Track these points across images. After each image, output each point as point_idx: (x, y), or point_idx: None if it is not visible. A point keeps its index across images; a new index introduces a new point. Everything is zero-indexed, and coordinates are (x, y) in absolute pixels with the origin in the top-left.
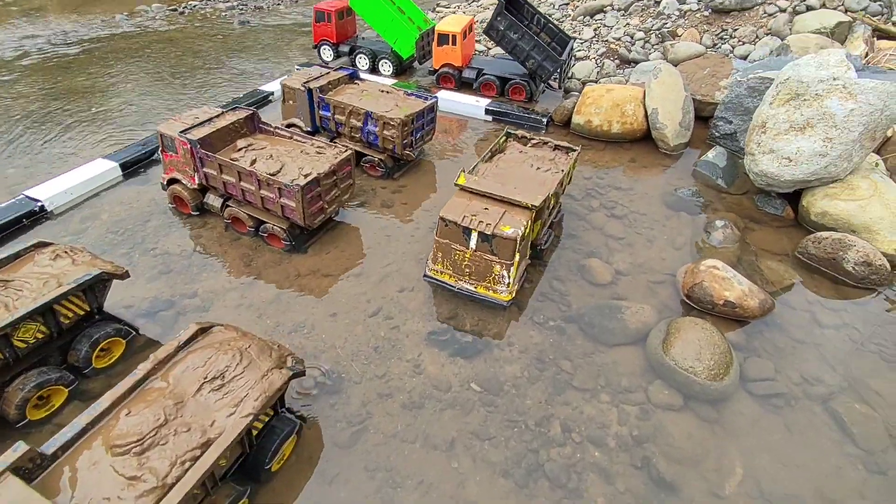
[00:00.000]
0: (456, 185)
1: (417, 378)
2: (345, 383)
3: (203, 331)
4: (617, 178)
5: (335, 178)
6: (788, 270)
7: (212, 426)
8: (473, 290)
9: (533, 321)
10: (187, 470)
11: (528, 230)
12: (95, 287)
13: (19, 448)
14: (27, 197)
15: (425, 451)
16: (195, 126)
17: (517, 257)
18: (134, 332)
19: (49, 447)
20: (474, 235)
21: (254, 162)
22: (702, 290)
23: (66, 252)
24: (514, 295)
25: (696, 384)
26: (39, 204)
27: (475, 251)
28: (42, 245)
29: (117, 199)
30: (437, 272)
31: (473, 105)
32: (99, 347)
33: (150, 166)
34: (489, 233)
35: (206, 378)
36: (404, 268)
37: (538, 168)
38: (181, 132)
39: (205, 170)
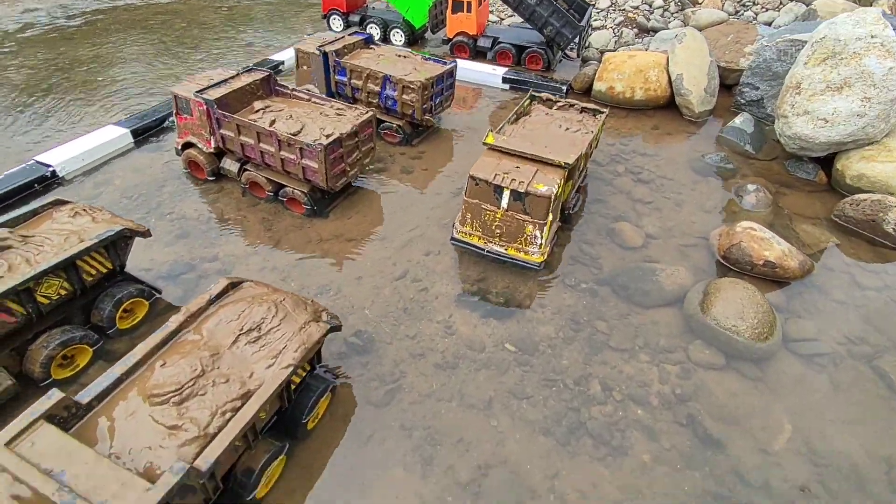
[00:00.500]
0: (484, 143)
1: (450, 339)
2: (376, 344)
3: (233, 286)
4: (641, 144)
5: (357, 140)
6: (825, 233)
7: (250, 378)
8: (504, 251)
9: (564, 283)
10: (228, 421)
11: (560, 189)
12: (118, 244)
13: (53, 395)
14: (38, 162)
15: (462, 410)
16: (211, 87)
17: (550, 217)
18: (157, 294)
19: (84, 396)
20: (506, 194)
21: (273, 123)
22: (740, 251)
23: (84, 210)
24: (545, 257)
25: (739, 344)
26: (51, 169)
27: (506, 211)
28: (60, 203)
29: (130, 165)
30: (466, 234)
31: (490, 73)
32: (122, 308)
33: (160, 134)
34: (522, 191)
35: (241, 330)
36: (428, 232)
37: (567, 129)
38: (197, 92)
39: (221, 132)
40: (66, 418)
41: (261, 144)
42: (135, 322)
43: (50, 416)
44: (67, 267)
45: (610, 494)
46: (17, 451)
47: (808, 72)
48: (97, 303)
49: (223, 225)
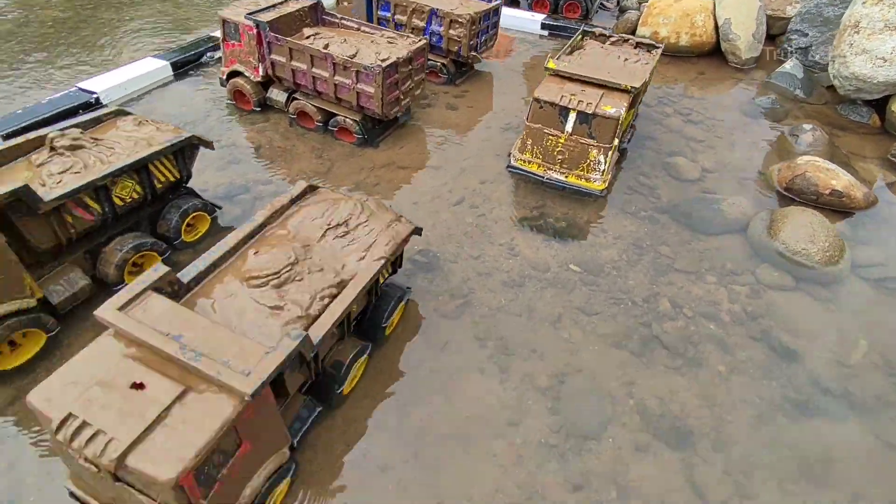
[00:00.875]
0: (546, 69)
1: (514, 260)
2: (441, 262)
3: (312, 189)
4: (688, 88)
5: (411, 67)
6: (883, 172)
7: (342, 269)
8: (564, 179)
9: (624, 211)
10: (327, 306)
11: (626, 113)
12: (185, 153)
13: (159, 269)
14: (80, 89)
15: (533, 324)
16: (260, 11)
17: (616, 141)
18: (218, 209)
19: (184, 276)
20: (572, 116)
21: (327, 46)
22: (804, 181)
23: (148, 121)
24: (606, 185)
25: (808, 267)
26: (94, 96)
27: (571, 135)
28: (122, 113)
29: (172, 96)
30: (524, 162)
31: (529, 20)
32: (187, 220)
33: (198, 69)
34: (590, 112)
35: (329, 225)
36: (482, 162)
37: (625, 59)
38: (248, 15)
39: (272, 56)
40: (170, 294)
41: (314, 69)
42: (197, 236)
43: (157, 289)
44: (140, 169)
45: (688, 401)
46: (132, 315)
47: (866, 11)
48: (163, 213)
49: (273, 152)
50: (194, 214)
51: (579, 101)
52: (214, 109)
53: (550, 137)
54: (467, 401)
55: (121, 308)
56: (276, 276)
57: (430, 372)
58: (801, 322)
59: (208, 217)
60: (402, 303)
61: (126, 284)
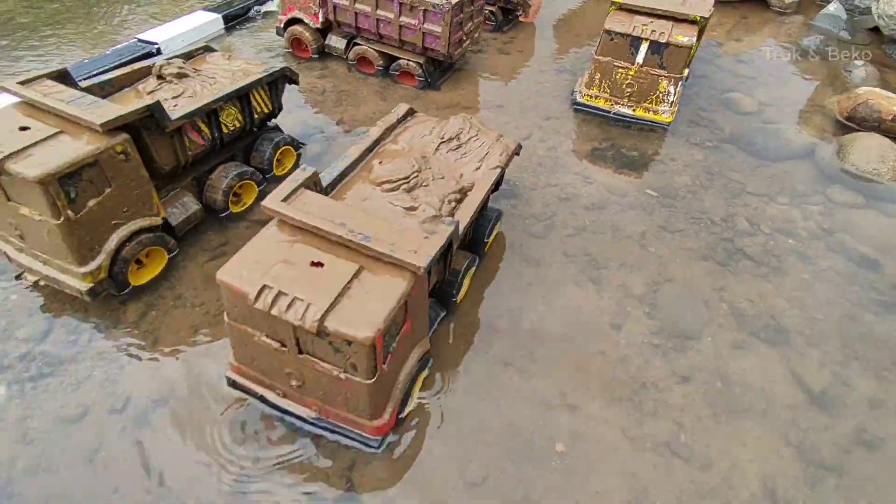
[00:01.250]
0: (612, 3)
1: (591, 186)
2: (521, 189)
3: (411, 112)
4: (732, 32)
5: (472, 8)
6: None
7: (461, 178)
8: (632, 112)
9: (689, 142)
10: (454, 209)
11: (696, 44)
12: (278, 84)
13: (308, 169)
14: (140, 40)
15: (618, 240)
16: None
17: (686, 71)
18: (303, 146)
19: (324, 178)
20: (644, 47)
21: None
22: (867, 108)
23: (235, 56)
24: (674, 117)
25: (880, 186)
26: (156, 46)
27: (641, 66)
28: (209, 49)
29: (227, 47)
30: (591, 97)
31: None
32: (278, 154)
33: (245, 23)
34: (663, 41)
35: (441, 139)
36: (543, 101)
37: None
38: None
39: (334, 0)
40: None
41: (378, 11)
42: (285, 171)
43: (307, 187)
44: (242, 98)
45: (777, 304)
46: (294, 206)
47: None
48: (256, 146)
49: (338, 96)
50: (283, 149)
51: (652, 31)
52: (273, 58)
53: (620, 70)
54: (569, 309)
55: (284, 199)
56: (405, 182)
57: (529, 285)
58: (876, 235)
59: (294, 152)
60: (498, 222)
61: (230, 211)
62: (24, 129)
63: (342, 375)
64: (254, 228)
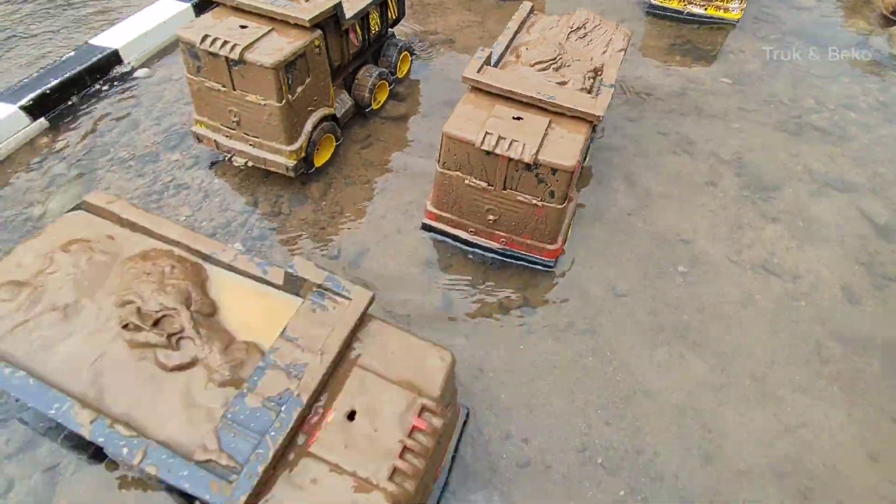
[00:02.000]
0: None
1: (672, 77)
2: None
3: (532, 10)
4: None
5: None
6: None
7: (591, 61)
8: (703, 11)
9: (756, 36)
10: (593, 85)
11: None
12: None
13: (485, 50)
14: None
15: (702, 120)
16: None
17: None
18: (415, 53)
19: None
20: None
21: None
22: None
23: None
24: (742, 14)
25: None
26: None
27: None
28: None
29: None
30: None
31: None
32: (401, 56)
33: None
34: None
35: (570, 29)
36: (618, 4)
37: None
38: None
39: None
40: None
41: None
42: (404, 73)
43: (487, 63)
44: (381, 4)
45: (845, 164)
46: (487, 76)
47: None
48: (383, 51)
49: (425, 8)
50: (404, 53)
51: None
52: None
53: None
54: (671, 172)
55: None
56: (553, 62)
57: (634, 155)
58: None
59: (410, 57)
60: None
61: (371, 108)
62: (243, 27)
63: (539, 203)
64: (388, 122)
